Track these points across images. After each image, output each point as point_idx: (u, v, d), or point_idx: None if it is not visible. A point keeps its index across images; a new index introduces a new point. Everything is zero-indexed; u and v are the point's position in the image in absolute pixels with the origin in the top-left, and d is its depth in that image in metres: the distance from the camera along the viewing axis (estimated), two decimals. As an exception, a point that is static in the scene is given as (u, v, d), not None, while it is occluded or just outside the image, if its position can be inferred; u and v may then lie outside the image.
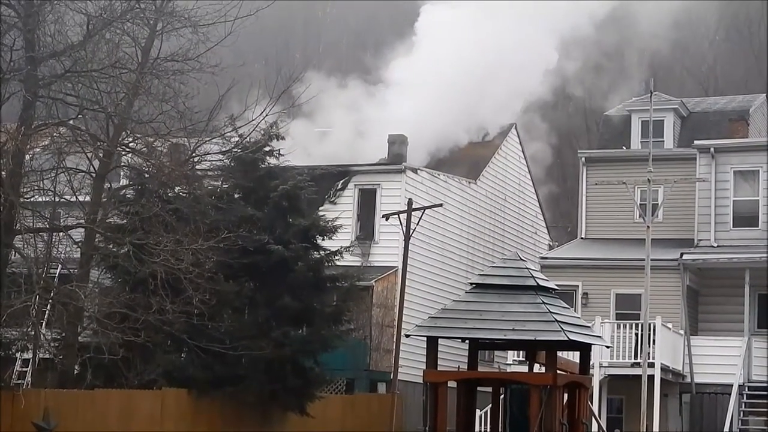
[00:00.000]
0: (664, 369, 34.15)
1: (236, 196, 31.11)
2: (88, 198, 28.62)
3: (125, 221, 28.15)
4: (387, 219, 35.78)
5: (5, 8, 25.71)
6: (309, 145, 41.50)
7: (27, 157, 26.61)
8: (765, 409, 34.55)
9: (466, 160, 44.89)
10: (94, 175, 28.25)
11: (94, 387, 26.71)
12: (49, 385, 27.76)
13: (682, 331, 35.78)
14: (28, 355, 28.44)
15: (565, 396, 19.63)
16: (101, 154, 27.96)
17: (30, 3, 26.03)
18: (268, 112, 28.58)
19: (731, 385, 34.74)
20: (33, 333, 26.66)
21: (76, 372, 28.04)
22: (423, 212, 35.36)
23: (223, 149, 29.76)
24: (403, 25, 49.97)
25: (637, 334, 33.97)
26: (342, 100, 45.50)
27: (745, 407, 34.95)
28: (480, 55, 43.35)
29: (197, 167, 29.35)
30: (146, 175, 28.52)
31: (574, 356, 21.73)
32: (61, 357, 28.15)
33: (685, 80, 69.04)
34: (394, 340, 35.07)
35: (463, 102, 43.03)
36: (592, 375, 28.05)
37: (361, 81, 47.32)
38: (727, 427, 34.21)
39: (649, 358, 31.86)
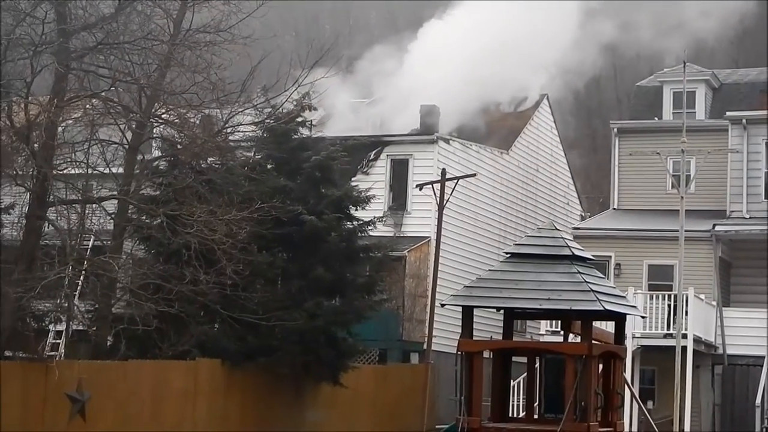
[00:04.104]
0: (697, 340, 34.04)
1: (269, 167, 31.05)
2: (121, 170, 28.61)
3: (158, 193, 28.13)
4: (420, 189, 35.73)
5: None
6: (341, 116, 41.45)
7: (59, 129, 26.57)
8: (797, 381, 34.42)
9: (498, 131, 44.77)
10: (126, 146, 28.21)
11: (128, 358, 26.72)
12: (82, 356, 27.77)
13: (714, 303, 35.62)
14: (62, 327, 28.39)
15: (600, 366, 19.61)
16: (134, 126, 27.92)
17: (61, -25, 25.94)
18: (300, 83, 28.49)
19: (763, 357, 34.59)
20: (66, 305, 26.66)
21: (109, 343, 28.07)
22: (456, 182, 35.23)
23: (256, 120, 29.69)
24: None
25: (669, 305, 33.87)
26: (373, 71, 45.38)
27: (777, 379, 34.82)
28: (511, 25, 43.14)
29: (230, 138, 29.28)
30: (179, 147, 28.48)
31: (608, 326, 21.69)
32: (94, 329, 28.14)
33: (715, 52, 68.39)
34: (428, 310, 35.07)
35: (495, 72, 42.84)
36: (626, 345, 27.96)
37: (391, 52, 47.16)
38: (759, 399, 34.08)
39: (681, 330, 31.77)
